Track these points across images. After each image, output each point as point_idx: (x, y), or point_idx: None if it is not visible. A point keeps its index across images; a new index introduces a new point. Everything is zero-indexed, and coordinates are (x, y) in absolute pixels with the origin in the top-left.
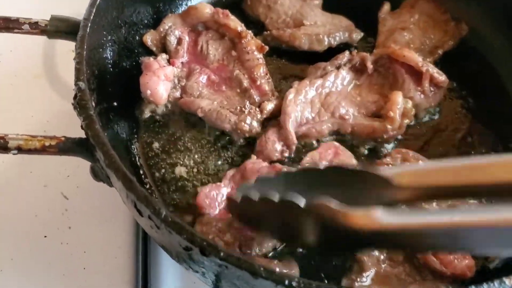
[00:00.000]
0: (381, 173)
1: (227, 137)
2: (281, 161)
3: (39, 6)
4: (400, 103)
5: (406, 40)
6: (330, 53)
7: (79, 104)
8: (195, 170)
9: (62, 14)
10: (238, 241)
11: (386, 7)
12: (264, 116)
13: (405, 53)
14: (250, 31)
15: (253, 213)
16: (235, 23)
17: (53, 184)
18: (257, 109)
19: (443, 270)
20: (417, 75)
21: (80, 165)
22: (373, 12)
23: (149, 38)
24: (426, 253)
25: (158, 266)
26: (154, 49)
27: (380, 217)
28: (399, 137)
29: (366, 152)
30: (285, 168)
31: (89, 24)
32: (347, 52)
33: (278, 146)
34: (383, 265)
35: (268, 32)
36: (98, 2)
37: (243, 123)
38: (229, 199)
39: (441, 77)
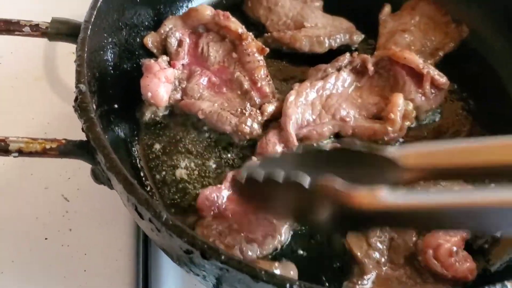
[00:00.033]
0: (387, 154)
1: (228, 139)
2: None
3: (40, 9)
4: (401, 105)
5: (407, 42)
6: (331, 55)
7: (80, 107)
8: (195, 172)
9: (63, 16)
10: (239, 244)
11: (387, 9)
12: (265, 118)
13: (406, 55)
14: (250, 33)
15: (258, 192)
16: (236, 25)
17: (53, 186)
18: (258, 111)
19: (444, 273)
20: (418, 77)
21: (81, 168)
22: (374, 14)
23: (150, 40)
24: (430, 231)
25: (159, 269)
26: (154, 51)
27: (385, 196)
28: (400, 139)
29: None
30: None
31: (90, 27)
32: (347, 54)
33: (279, 148)
34: (384, 268)
35: (269, 34)
36: (99, 4)
37: (243, 125)
38: (234, 180)
39: (442, 79)
